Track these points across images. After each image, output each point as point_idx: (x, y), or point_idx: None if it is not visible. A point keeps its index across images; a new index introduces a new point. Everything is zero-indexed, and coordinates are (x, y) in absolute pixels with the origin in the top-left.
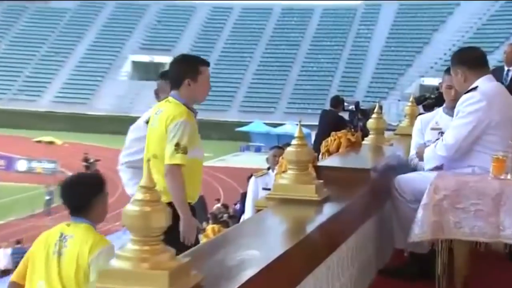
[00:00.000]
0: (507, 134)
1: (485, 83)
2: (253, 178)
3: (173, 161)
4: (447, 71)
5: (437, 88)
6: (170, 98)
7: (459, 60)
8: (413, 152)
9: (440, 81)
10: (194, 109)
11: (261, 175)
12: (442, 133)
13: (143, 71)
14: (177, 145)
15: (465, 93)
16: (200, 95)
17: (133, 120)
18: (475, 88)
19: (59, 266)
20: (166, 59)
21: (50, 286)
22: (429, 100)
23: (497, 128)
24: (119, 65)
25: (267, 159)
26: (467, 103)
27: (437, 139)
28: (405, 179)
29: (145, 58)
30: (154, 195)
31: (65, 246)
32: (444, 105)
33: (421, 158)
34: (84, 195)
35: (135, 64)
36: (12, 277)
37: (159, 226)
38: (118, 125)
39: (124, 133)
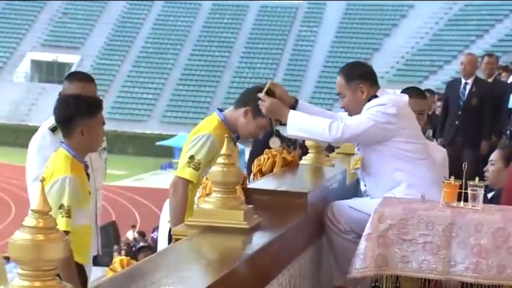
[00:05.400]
0: (424, 143)
1: (386, 93)
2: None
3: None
4: None
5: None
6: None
7: (361, 76)
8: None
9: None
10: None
11: None
12: None
13: (44, 71)
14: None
15: (368, 101)
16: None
17: (31, 130)
18: (376, 96)
19: None
20: (73, 59)
21: None
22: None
23: (411, 136)
24: (14, 64)
25: None
26: (376, 105)
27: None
28: (339, 206)
29: (47, 56)
30: (48, 221)
31: None
32: None
33: (271, 112)
34: None
35: (35, 64)
36: None
37: (53, 258)
38: (14, 136)
39: (21, 145)
